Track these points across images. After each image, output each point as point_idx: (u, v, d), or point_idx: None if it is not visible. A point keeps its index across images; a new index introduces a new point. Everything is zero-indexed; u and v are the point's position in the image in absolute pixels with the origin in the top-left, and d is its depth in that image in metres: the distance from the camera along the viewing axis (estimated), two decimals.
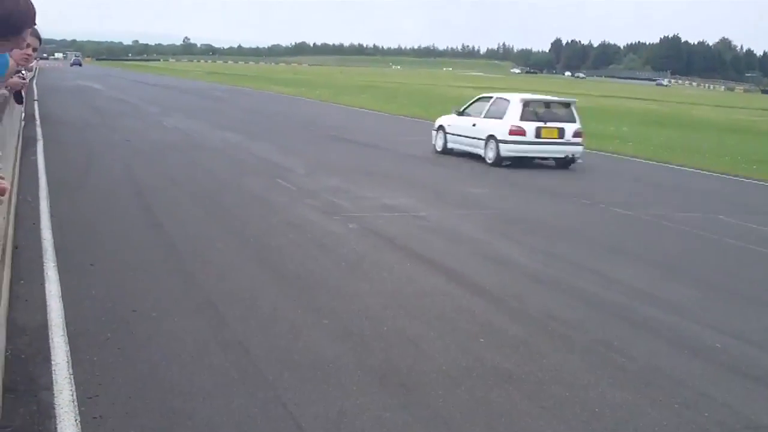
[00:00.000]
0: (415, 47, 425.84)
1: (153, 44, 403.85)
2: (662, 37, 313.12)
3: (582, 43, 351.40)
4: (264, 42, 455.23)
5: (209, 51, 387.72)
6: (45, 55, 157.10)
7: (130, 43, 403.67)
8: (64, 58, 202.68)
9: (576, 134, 21.51)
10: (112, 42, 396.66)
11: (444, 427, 5.53)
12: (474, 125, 22.42)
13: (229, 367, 6.34)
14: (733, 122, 51.50)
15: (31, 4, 3.49)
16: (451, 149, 23.65)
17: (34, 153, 18.63)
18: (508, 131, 21.05)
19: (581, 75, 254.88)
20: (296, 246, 10.83)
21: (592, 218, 14.24)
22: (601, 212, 14.85)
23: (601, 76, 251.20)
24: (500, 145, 21.10)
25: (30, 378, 5.94)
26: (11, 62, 6.58)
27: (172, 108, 40.14)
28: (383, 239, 11.50)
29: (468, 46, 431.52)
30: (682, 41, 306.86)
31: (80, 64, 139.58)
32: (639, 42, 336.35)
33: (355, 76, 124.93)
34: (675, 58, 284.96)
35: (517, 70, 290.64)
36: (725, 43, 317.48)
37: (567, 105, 22.91)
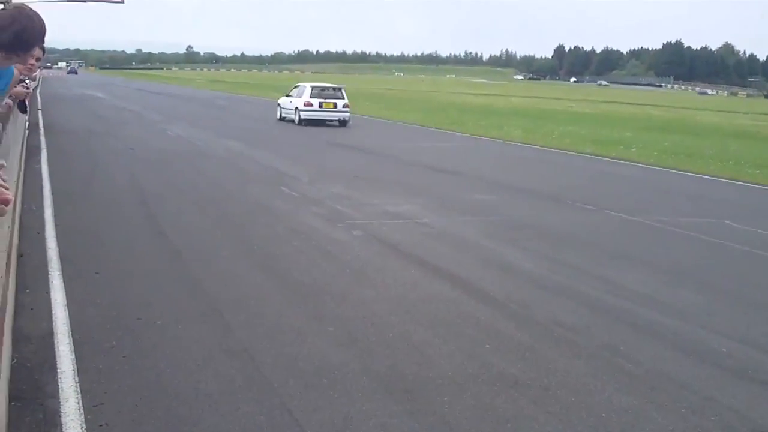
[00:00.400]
0: (418, 54, 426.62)
1: (156, 53, 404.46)
2: (665, 42, 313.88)
3: (585, 49, 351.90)
4: (267, 50, 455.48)
5: (212, 59, 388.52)
6: (49, 64, 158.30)
7: (134, 51, 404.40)
8: (68, 66, 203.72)
9: (345, 106, 37.15)
10: (115, 51, 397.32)
11: None
12: (290, 102, 38.22)
13: (235, 374, 6.34)
14: (737, 127, 51.46)
15: (43, 22, 3.52)
16: (284, 118, 38.75)
17: (39, 162, 18.66)
18: (303, 104, 36.59)
19: (603, 82, 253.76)
20: (301, 253, 10.83)
21: (596, 223, 14.21)
22: (605, 218, 14.82)
23: (604, 82, 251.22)
24: (300, 112, 36.69)
25: (36, 386, 5.94)
26: (15, 72, 6.60)
27: (175, 116, 40.22)
28: (387, 246, 11.50)
29: (471, 52, 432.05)
30: (685, 46, 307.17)
31: (76, 72, 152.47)
32: (642, 48, 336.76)
33: (359, 84, 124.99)
34: (678, 64, 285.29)
35: (519, 77, 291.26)
36: (728, 48, 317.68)
37: (339, 89, 38.16)
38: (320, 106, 36.42)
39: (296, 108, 36.96)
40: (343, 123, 36.77)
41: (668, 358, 7.26)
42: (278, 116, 39.41)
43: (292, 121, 37.08)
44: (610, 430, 5.67)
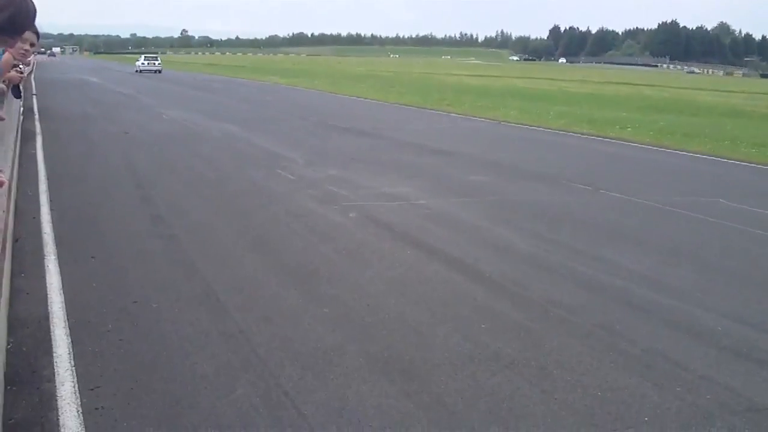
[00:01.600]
0: (413, 36, 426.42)
1: (150, 37, 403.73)
2: (660, 22, 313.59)
3: (580, 29, 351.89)
4: (261, 33, 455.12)
5: (207, 43, 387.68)
6: (43, 49, 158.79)
7: (128, 36, 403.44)
8: (62, 52, 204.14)
9: (159, 65, 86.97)
10: (109, 35, 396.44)
11: (446, 413, 5.53)
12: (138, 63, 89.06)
13: (231, 356, 6.35)
14: (733, 106, 51.43)
15: (34, 6, 3.49)
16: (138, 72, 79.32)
17: (34, 147, 18.62)
18: (139, 66, 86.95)
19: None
20: (297, 235, 10.83)
21: (592, 203, 14.21)
22: (600, 198, 14.82)
23: (600, 63, 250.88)
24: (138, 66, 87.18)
25: (32, 370, 5.95)
26: (7, 56, 6.59)
27: (170, 100, 40.16)
28: (383, 227, 11.50)
29: (466, 34, 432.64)
30: (681, 26, 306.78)
31: (55, 56, 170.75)
32: (637, 28, 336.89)
33: (354, 66, 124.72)
34: (673, 44, 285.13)
35: (515, 58, 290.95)
36: (724, 28, 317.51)
37: (156, 55, 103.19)
38: (144, 65, 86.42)
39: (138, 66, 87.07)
40: (158, 73, 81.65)
41: (664, 337, 7.27)
42: (134, 71, 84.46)
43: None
44: (605, 409, 5.68)
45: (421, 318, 7.55)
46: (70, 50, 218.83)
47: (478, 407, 5.63)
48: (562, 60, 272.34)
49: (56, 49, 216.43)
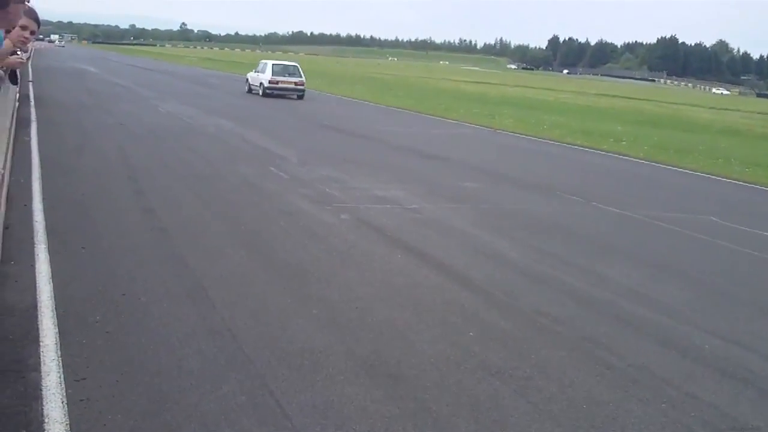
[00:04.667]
0: (413, 39, 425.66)
1: (150, 29, 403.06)
2: (659, 37, 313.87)
3: (579, 41, 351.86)
4: (261, 30, 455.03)
5: (206, 37, 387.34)
6: (41, 36, 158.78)
7: (127, 27, 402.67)
8: (61, 39, 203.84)
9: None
10: (108, 25, 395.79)
11: (430, 419, 5.53)
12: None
13: (218, 353, 6.34)
14: (728, 124, 51.54)
15: None
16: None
17: (28, 134, 18.55)
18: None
19: (565, 71, 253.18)
20: (288, 234, 10.83)
21: (584, 215, 14.23)
22: (592, 210, 14.84)
23: (597, 75, 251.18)
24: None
25: (18, 359, 5.92)
26: (7, 42, 6.57)
27: (167, 93, 40.11)
28: (374, 230, 11.50)
29: (465, 40, 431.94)
30: (680, 42, 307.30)
31: (53, 42, 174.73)
32: (636, 42, 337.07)
33: (352, 67, 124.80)
34: (671, 59, 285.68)
35: (513, 66, 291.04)
36: (722, 45, 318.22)
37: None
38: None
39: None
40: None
41: (651, 353, 7.28)
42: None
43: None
44: (590, 422, 5.69)
45: (409, 323, 7.55)
46: (68, 38, 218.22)
47: (463, 414, 5.63)
48: (565, 71, 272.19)
49: (54, 37, 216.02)
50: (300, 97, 42.51)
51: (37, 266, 8.31)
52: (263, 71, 43.42)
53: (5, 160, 11.81)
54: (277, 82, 42.67)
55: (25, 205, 11.08)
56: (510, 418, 5.63)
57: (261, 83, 43.13)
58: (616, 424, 5.69)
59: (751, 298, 9.74)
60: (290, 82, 43.08)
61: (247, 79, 46.46)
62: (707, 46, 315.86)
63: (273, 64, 44.34)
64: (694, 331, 8.02)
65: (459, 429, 5.43)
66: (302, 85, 43.27)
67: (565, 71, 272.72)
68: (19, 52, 8.31)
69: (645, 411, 5.93)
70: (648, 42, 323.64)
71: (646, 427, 5.68)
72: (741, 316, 8.82)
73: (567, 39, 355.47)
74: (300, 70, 44.43)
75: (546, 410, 5.81)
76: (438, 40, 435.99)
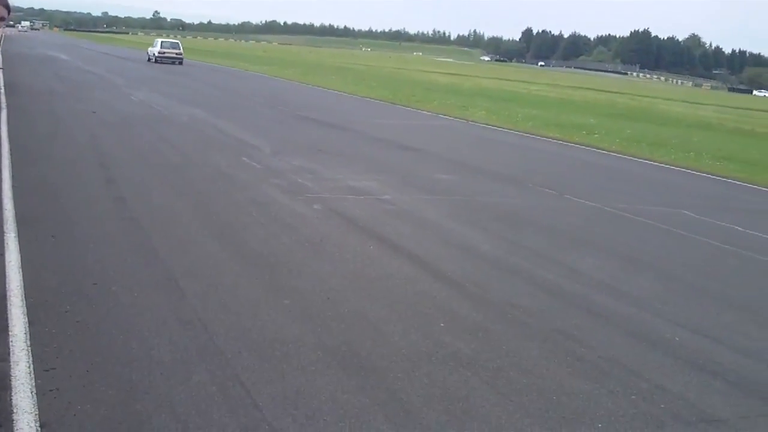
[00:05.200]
0: (386, 30, 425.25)
1: (122, 17, 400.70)
2: (632, 30, 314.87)
3: (552, 33, 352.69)
4: (234, 19, 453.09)
5: (178, 26, 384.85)
6: (12, 23, 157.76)
7: (99, 14, 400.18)
8: (32, 26, 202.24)
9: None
10: (81, 13, 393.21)
11: (401, 410, 5.54)
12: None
13: (188, 343, 6.32)
14: (701, 118, 51.81)
15: None
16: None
17: None
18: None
19: (541, 63, 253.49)
20: (260, 224, 10.80)
21: (557, 208, 14.26)
22: (565, 203, 14.89)
23: (570, 67, 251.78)
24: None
25: None
26: None
27: (140, 81, 39.88)
28: (347, 221, 11.49)
29: (439, 31, 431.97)
30: (652, 35, 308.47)
31: (27, 31, 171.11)
32: (609, 35, 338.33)
33: (326, 57, 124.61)
34: (644, 52, 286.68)
35: (486, 58, 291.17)
36: (695, 39, 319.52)
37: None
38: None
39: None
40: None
41: (621, 345, 7.32)
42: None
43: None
44: (560, 413, 5.71)
45: (381, 314, 7.55)
46: (40, 25, 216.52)
47: (434, 405, 5.64)
48: (540, 64, 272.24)
49: (25, 23, 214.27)
50: (180, 63, 63.74)
51: (6, 255, 8.26)
52: (155, 46, 66.41)
53: None
54: (164, 53, 64.58)
55: None
56: (481, 409, 5.65)
57: (154, 54, 65.07)
58: (586, 416, 5.71)
59: (721, 291, 9.80)
60: (173, 53, 65.17)
61: (148, 52, 67.77)
62: (680, 40, 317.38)
63: (161, 41, 68.34)
64: (664, 324, 8.06)
65: (430, 420, 5.44)
66: (181, 55, 65.49)
67: (540, 63, 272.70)
68: None
69: (615, 402, 5.96)
70: (621, 35, 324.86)
71: (616, 419, 5.71)
72: (711, 309, 8.88)
73: (540, 31, 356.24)
74: (180, 45, 68.18)
75: (517, 401, 5.83)
76: (412, 31, 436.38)
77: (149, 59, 65.31)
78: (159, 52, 64.26)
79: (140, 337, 6.36)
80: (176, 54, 64.82)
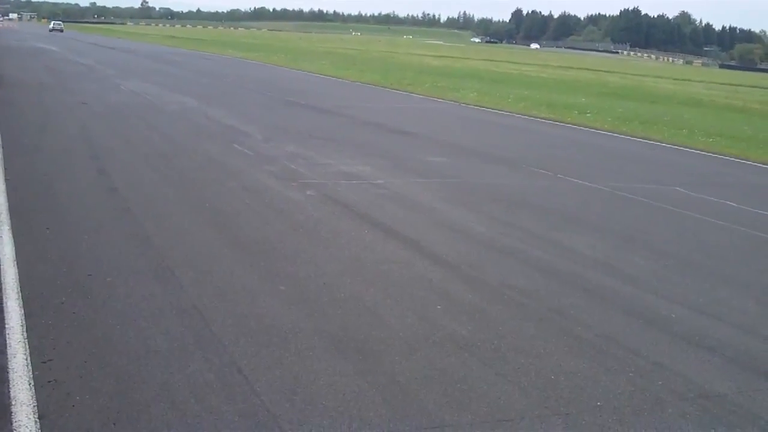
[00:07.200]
0: (376, 14, 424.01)
1: (110, 7, 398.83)
2: (622, 9, 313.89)
3: (542, 13, 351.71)
4: (223, 6, 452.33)
5: (167, 15, 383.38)
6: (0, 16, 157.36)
7: (87, 5, 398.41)
8: (19, 18, 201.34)
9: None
10: (68, 3, 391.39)
11: (400, 393, 5.54)
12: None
13: (185, 332, 6.32)
14: (692, 95, 51.78)
15: None
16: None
17: None
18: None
19: (536, 46, 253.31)
20: (253, 212, 10.79)
21: (551, 188, 14.26)
22: (558, 183, 14.89)
23: (561, 47, 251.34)
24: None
25: None
26: None
27: (129, 71, 39.73)
28: (341, 206, 11.48)
29: (428, 14, 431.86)
30: (642, 14, 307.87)
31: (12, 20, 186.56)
32: (599, 14, 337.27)
33: (315, 43, 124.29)
34: (634, 31, 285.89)
35: (477, 40, 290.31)
36: (685, 17, 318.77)
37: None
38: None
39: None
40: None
41: (617, 323, 7.33)
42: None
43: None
44: (558, 393, 5.72)
45: (377, 298, 7.55)
46: (28, 17, 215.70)
47: (432, 388, 5.64)
48: (535, 45, 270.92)
49: (13, 15, 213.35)
50: (61, 31, 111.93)
51: (0, 248, 8.25)
52: (50, 24, 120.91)
53: None
54: (53, 28, 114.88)
55: None
56: (479, 390, 5.65)
57: (51, 28, 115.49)
58: (584, 394, 5.72)
59: (716, 267, 9.82)
60: (59, 29, 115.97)
61: (49, 26, 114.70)
62: (670, 17, 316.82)
63: (54, 22, 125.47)
64: (660, 301, 8.08)
65: (428, 402, 5.45)
66: (62, 30, 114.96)
67: (534, 45, 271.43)
68: None
69: (613, 380, 5.97)
70: (611, 14, 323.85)
71: (614, 397, 5.72)
72: (706, 286, 8.89)
73: (530, 12, 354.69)
74: (62, 24, 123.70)
75: (515, 381, 5.84)
76: (401, 14, 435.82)
77: (50, 31, 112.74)
78: (53, 28, 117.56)
79: (137, 327, 6.36)
80: (61, 31, 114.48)
